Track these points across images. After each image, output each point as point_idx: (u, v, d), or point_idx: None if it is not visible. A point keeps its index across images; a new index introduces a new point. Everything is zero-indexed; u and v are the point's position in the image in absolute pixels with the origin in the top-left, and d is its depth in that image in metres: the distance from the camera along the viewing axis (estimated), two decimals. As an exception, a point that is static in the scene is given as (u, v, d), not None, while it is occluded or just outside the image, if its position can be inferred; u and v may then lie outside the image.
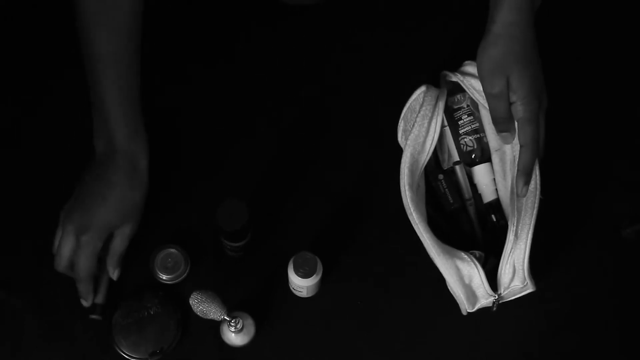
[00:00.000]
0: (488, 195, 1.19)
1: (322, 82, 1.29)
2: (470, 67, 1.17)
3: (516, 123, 1.11)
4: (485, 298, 1.13)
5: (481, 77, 1.11)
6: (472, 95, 1.17)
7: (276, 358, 1.18)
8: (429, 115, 1.15)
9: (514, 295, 1.15)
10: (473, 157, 1.19)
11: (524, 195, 1.10)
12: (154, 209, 1.21)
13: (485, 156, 1.19)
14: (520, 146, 1.10)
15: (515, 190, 1.11)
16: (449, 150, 1.21)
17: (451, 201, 1.19)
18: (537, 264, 1.14)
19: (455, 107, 1.20)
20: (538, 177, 1.11)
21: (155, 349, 1.16)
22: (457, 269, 1.12)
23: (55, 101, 1.27)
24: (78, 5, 1.10)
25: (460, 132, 1.20)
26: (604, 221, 1.24)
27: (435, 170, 1.20)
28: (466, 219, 1.19)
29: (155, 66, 1.28)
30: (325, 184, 1.24)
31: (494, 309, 1.14)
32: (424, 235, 1.11)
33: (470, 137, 1.19)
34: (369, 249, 1.22)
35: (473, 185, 1.20)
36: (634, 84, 1.30)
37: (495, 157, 1.19)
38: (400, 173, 1.13)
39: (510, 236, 1.11)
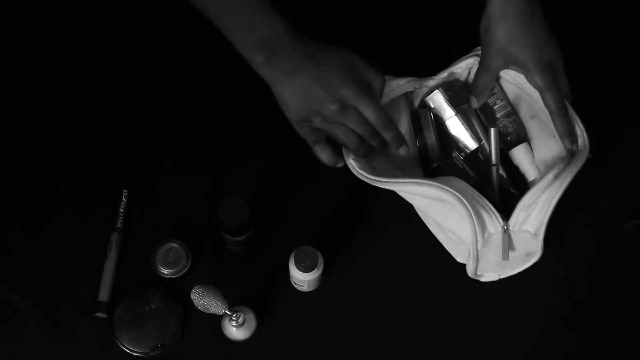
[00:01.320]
0: (530, 174, 1.21)
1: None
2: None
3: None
4: (494, 227, 1.11)
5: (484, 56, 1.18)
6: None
7: (277, 352, 1.17)
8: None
9: (519, 266, 1.16)
10: (509, 139, 1.22)
11: (577, 150, 1.14)
12: (156, 204, 1.22)
13: (520, 137, 1.22)
14: (550, 114, 1.15)
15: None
16: (459, 139, 1.23)
17: (472, 175, 1.20)
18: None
19: None
20: (586, 137, 1.15)
21: (157, 344, 1.16)
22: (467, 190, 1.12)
23: (55, 101, 1.27)
24: None
25: (498, 116, 1.22)
26: (604, 216, 1.24)
27: (443, 154, 1.22)
28: (489, 190, 1.20)
29: (156, 65, 1.29)
30: (327, 179, 1.23)
31: (499, 278, 1.16)
32: (407, 181, 1.11)
33: (507, 120, 1.22)
34: (369, 244, 1.22)
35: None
36: (635, 79, 1.32)
37: (532, 124, 1.22)
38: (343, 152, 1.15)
39: (549, 175, 1.11)
